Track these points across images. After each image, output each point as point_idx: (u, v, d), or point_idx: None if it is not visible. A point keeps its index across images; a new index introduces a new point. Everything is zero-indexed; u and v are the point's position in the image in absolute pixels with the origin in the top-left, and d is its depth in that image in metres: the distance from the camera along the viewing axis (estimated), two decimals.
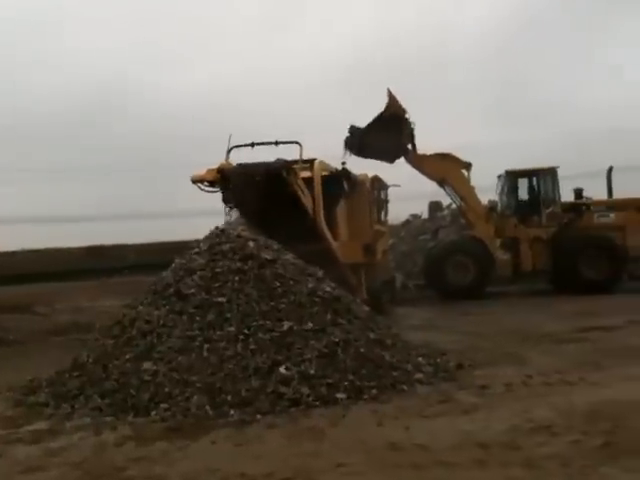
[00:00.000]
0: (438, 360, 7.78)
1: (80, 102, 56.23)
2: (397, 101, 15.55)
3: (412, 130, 16.16)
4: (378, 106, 15.47)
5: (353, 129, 15.58)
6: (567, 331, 10.22)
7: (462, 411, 5.93)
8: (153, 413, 6.13)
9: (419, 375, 7.03)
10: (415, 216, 24.84)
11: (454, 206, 19.83)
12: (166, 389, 6.33)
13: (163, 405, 6.19)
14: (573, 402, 6.03)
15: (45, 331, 12.87)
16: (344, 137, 15.56)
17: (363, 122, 15.67)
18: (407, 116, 15.80)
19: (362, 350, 7.02)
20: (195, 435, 5.61)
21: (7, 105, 54.10)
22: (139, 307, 7.57)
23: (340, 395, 6.37)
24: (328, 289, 7.89)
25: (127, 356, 6.83)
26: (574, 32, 63.76)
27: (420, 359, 7.54)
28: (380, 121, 15.49)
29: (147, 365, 6.61)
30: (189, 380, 6.39)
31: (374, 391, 6.53)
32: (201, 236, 8.64)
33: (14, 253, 27.53)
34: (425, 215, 24.56)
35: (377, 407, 6.15)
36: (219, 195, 11.31)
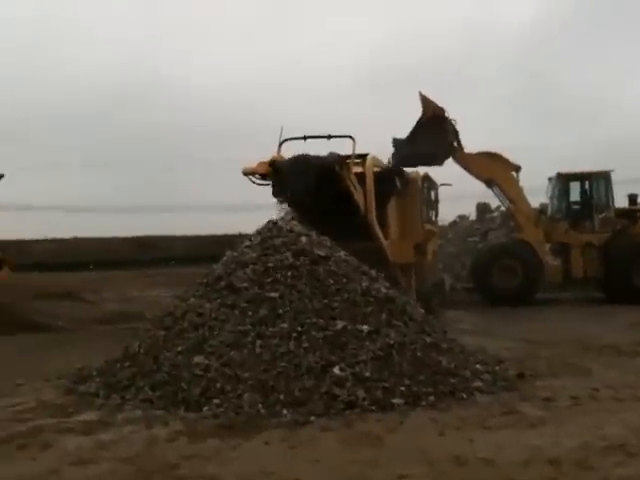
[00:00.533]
0: (496, 368, 7.45)
1: (114, 94, 57.20)
2: (432, 101, 15.05)
3: (455, 126, 15.71)
4: (405, 108, 15.08)
5: (396, 142, 15.04)
6: (628, 343, 9.72)
7: (528, 424, 5.60)
8: (205, 409, 5.97)
9: (478, 383, 6.71)
10: (462, 217, 24.38)
11: (504, 208, 19.34)
12: (218, 384, 6.17)
13: (215, 401, 6.02)
14: None
15: (93, 319, 12.96)
16: (390, 153, 15.12)
17: (392, 127, 15.25)
18: (447, 114, 15.34)
19: (418, 354, 6.76)
20: (247, 434, 5.42)
21: (40, 97, 55.28)
22: (190, 299, 7.45)
23: (396, 400, 6.10)
24: (383, 289, 7.64)
25: (179, 348, 6.69)
26: (624, 31, 61.78)
27: (478, 366, 7.21)
28: (421, 126, 15.01)
29: (199, 359, 6.46)
30: (241, 376, 6.22)
31: (432, 398, 6.25)
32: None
33: (66, 241, 28.02)
34: (473, 216, 24.09)
35: (436, 415, 5.87)
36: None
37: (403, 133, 15.27)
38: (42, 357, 9.32)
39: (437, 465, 4.67)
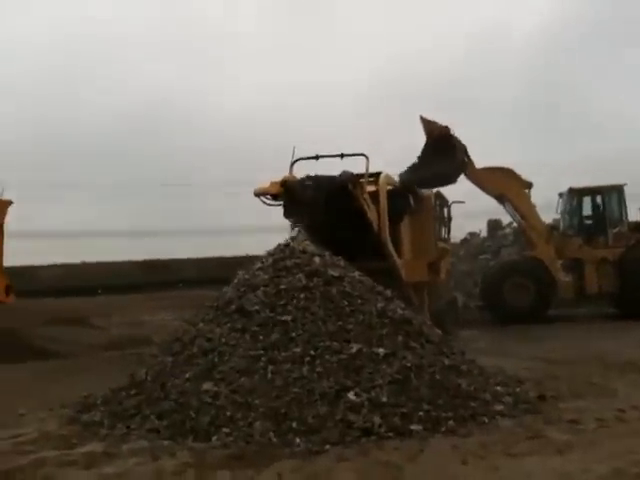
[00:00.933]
0: (517, 389, 7.17)
1: (133, 119, 57.41)
2: (435, 122, 14.71)
3: (461, 142, 15.39)
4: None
5: (403, 174, 14.06)
6: None
7: (555, 450, 5.31)
8: (214, 438, 5.69)
9: (499, 406, 6.42)
10: (473, 234, 24.15)
11: (515, 224, 19.09)
12: (227, 412, 5.90)
13: (224, 430, 5.74)
14: None
15: (102, 345, 12.73)
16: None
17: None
18: (452, 131, 15.02)
19: (437, 377, 6.49)
20: (259, 465, 5.15)
21: (64, 122, 55.63)
22: (200, 324, 7.21)
23: (415, 427, 5.82)
24: (399, 310, 7.39)
25: (187, 375, 6.44)
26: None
27: (498, 388, 6.93)
28: (429, 149, 14.64)
29: (208, 386, 6.21)
30: (252, 404, 5.95)
31: (451, 423, 5.96)
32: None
33: (74, 266, 27.96)
34: (484, 233, 23.85)
35: (457, 442, 5.57)
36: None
37: (414, 152, 15.04)
38: (48, 385, 9.08)
39: None
